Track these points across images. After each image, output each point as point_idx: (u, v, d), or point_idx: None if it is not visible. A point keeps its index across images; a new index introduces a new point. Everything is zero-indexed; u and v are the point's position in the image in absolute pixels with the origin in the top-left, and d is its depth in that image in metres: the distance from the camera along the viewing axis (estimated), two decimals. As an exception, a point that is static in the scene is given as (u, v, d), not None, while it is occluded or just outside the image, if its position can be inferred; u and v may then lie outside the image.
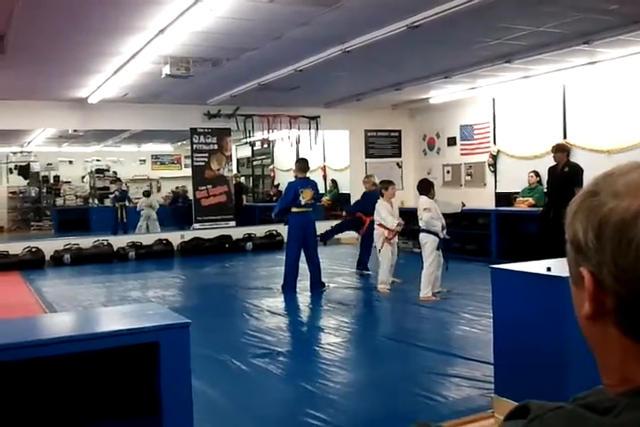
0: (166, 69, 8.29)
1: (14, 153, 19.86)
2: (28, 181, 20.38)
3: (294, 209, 8.35)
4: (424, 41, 7.75)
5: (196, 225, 13.20)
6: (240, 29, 7.00)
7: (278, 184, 18.08)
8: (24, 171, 20.21)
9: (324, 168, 16.67)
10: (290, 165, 14.95)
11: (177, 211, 17.60)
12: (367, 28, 7.18)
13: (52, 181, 20.56)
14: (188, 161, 15.06)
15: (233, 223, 13.49)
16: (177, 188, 19.43)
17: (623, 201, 0.66)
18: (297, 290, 8.32)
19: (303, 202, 8.30)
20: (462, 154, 13.50)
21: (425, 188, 7.68)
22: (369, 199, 9.12)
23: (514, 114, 12.12)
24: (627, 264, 0.64)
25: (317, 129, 14.03)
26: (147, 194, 16.72)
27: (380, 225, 8.10)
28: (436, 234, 7.40)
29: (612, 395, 0.66)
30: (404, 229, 8.51)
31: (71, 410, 2.66)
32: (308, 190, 8.36)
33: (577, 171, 8.17)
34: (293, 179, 8.75)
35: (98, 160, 20.80)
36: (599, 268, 0.66)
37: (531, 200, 10.63)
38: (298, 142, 14.83)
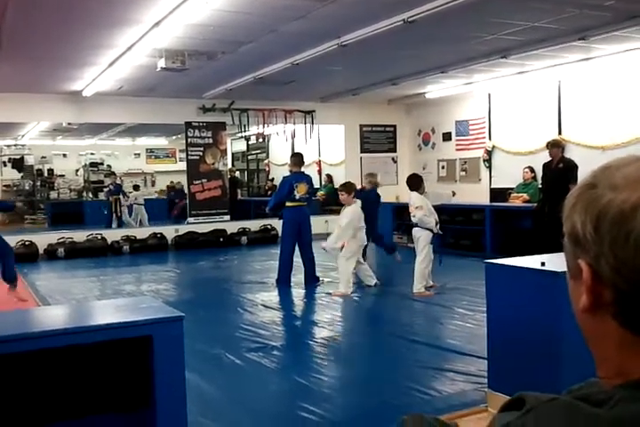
0: (161, 62, 8.26)
1: (8, 146, 19.80)
2: (21, 174, 20.32)
3: (289, 203, 8.35)
4: (420, 36, 7.74)
5: (191, 219, 13.18)
6: (236, 22, 6.98)
7: (273, 178, 18.07)
8: (18, 164, 20.14)
9: (319, 163, 16.66)
10: (285, 159, 14.93)
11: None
12: (363, 22, 7.17)
13: (46, 174, 20.50)
14: (183, 155, 15.04)
15: (227, 217, 13.48)
16: (171, 182, 19.42)
17: (621, 193, 0.66)
18: (291, 284, 8.32)
19: (298, 196, 8.29)
20: (457, 149, 13.51)
21: (415, 183, 7.66)
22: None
23: (509, 109, 12.13)
24: (625, 256, 0.64)
25: (313, 123, 14.01)
26: (136, 188, 16.73)
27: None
28: (429, 229, 7.41)
29: (607, 388, 0.66)
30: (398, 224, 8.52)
31: (64, 403, 2.65)
32: (303, 185, 8.35)
33: (571, 167, 8.20)
34: (288, 173, 8.74)
35: (92, 154, 20.76)
36: (597, 260, 0.66)
37: (525, 196, 10.65)
38: (293, 137, 14.81)
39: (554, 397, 0.66)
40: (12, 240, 11.40)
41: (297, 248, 8.39)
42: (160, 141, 21.68)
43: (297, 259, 8.41)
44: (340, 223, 7.72)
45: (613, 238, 0.65)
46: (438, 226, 7.52)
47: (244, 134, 15.66)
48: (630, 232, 0.63)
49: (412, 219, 7.48)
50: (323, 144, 16.43)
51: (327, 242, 7.77)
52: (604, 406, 0.62)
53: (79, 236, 12.18)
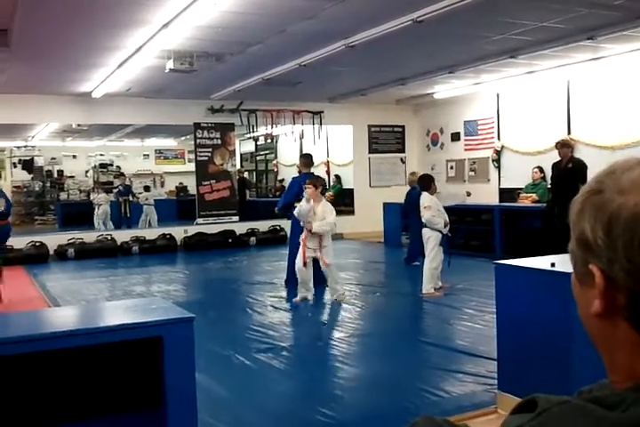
0: (170, 64, 8.29)
1: (18, 147, 19.88)
2: (32, 175, 20.40)
3: (298, 204, 8.34)
4: (428, 36, 7.73)
5: (200, 220, 13.21)
6: (244, 24, 6.99)
7: (283, 179, 18.08)
8: (28, 165, 20.22)
9: (327, 163, 16.66)
10: (293, 160, 14.97)
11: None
12: (371, 22, 7.17)
13: (55, 175, 20.58)
14: (192, 156, 15.07)
15: (236, 218, 13.50)
16: (180, 183, 19.47)
17: (631, 197, 0.65)
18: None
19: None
20: (466, 149, 13.48)
21: (425, 184, 7.65)
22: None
23: (518, 109, 12.10)
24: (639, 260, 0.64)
25: (321, 124, 14.02)
26: (147, 189, 16.80)
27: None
28: (438, 230, 7.38)
29: (618, 390, 0.66)
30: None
31: (76, 403, 2.67)
32: (312, 186, 8.34)
33: (581, 167, 8.16)
34: (297, 174, 8.74)
35: (101, 155, 20.82)
36: (610, 265, 0.66)
37: (534, 196, 10.61)
38: (301, 137, 14.82)
39: (566, 399, 0.66)
40: (23, 241, 11.50)
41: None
42: (169, 142, 21.72)
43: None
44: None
45: (626, 243, 0.64)
46: (448, 227, 7.49)
47: (252, 135, 15.68)
48: None
49: (422, 219, 7.47)
50: (331, 145, 16.43)
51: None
52: (616, 410, 0.62)
53: (89, 236, 12.24)
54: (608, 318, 0.68)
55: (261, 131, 14.67)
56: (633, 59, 9.25)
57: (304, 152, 11.41)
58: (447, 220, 7.49)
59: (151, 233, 12.88)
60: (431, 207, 7.34)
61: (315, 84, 11.31)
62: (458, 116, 13.61)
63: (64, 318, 3.15)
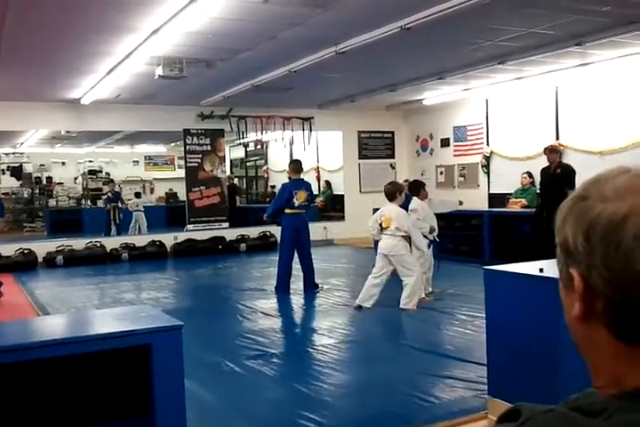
0: (159, 70, 8.28)
1: (7, 154, 19.78)
2: (20, 182, 20.29)
3: (287, 210, 8.35)
4: (418, 42, 7.76)
5: (190, 226, 13.18)
6: (234, 30, 7.00)
7: (274, 186, 18.08)
8: (17, 172, 20.11)
9: (317, 169, 16.68)
10: (283, 166, 14.95)
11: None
12: (361, 29, 7.20)
13: (44, 182, 20.46)
14: (182, 162, 15.04)
15: (226, 224, 13.47)
16: (170, 189, 19.41)
17: (611, 204, 0.66)
18: (290, 291, 8.31)
19: (297, 204, 8.29)
20: (455, 155, 13.53)
21: (415, 189, 7.69)
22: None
23: (507, 115, 12.16)
24: (616, 266, 0.65)
25: (311, 130, 14.04)
26: (137, 195, 16.75)
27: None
28: (424, 236, 7.39)
29: (602, 398, 0.67)
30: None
31: (64, 412, 2.65)
32: (302, 192, 8.35)
33: (569, 172, 8.21)
34: (287, 180, 8.75)
35: (90, 161, 20.72)
36: (589, 270, 0.67)
37: (523, 201, 10.66)
38: (291, 143, 14.83)
39: (549, 408, 0.66)
40: (11, 248, 11.43)
41: (296, 255, 8.39)
42: (159, 149, 21.67)
43: (297, 266, 8.40)
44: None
45: (604, 249, 0.65)
46: (435, 233, 7.51)
47: (242, 141, 15.67)
48: (620, 242, 0.64)
49: None
50: (321, 150, 16.45)
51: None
52: (599, 417, 0.62)
53: (78, 243, 12.17)
54: (588, 322, 0.69)
55: (251, 137, 14.67)
56: (621, 64, 9.31)
57: (294, 158, 11.43)
58: (435, 226, 7.51)
59: (141, 240, 12.83)
60: (417, 211, 7.39)
61: (305, 90, 11.33)
62: (447, 121, 13.66)
63: (53, 326, 3.13)
